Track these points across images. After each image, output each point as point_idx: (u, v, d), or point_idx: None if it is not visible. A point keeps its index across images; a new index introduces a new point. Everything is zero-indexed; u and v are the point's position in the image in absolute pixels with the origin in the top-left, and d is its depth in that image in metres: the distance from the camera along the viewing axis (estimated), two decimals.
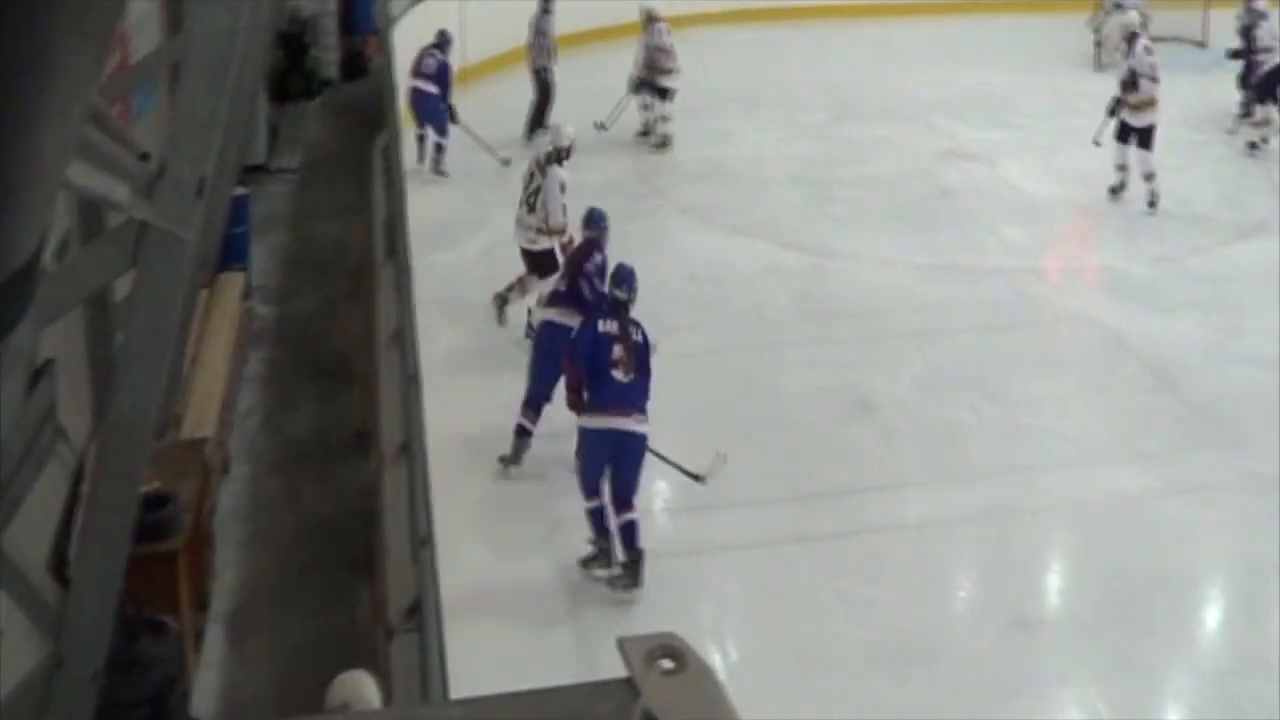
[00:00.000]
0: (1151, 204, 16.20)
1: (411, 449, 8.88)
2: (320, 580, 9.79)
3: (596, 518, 9.51)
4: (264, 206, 16.14)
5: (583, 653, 8.51)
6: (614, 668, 2.19)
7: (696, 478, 9.97)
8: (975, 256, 14.42)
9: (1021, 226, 15.54)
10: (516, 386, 11.43)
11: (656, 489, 10.79)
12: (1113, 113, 16.38)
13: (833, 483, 10.35)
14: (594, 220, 11.60)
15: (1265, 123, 18.60)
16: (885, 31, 23.39)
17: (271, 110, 18.68)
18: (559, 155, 13.08)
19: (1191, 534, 10.30)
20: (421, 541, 7.85)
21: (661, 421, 11.51)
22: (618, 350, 9.46)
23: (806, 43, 22.95)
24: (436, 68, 17.10)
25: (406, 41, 17.67)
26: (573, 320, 10.65)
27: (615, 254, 14.32)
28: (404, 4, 19.50)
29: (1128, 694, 8.65)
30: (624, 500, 9.47)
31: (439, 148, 17.14)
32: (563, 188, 12.94)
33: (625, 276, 9.90)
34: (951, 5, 23.01)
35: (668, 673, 2.22)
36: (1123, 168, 16.57)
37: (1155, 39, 18.71)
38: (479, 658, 7.99)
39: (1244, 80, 18.96)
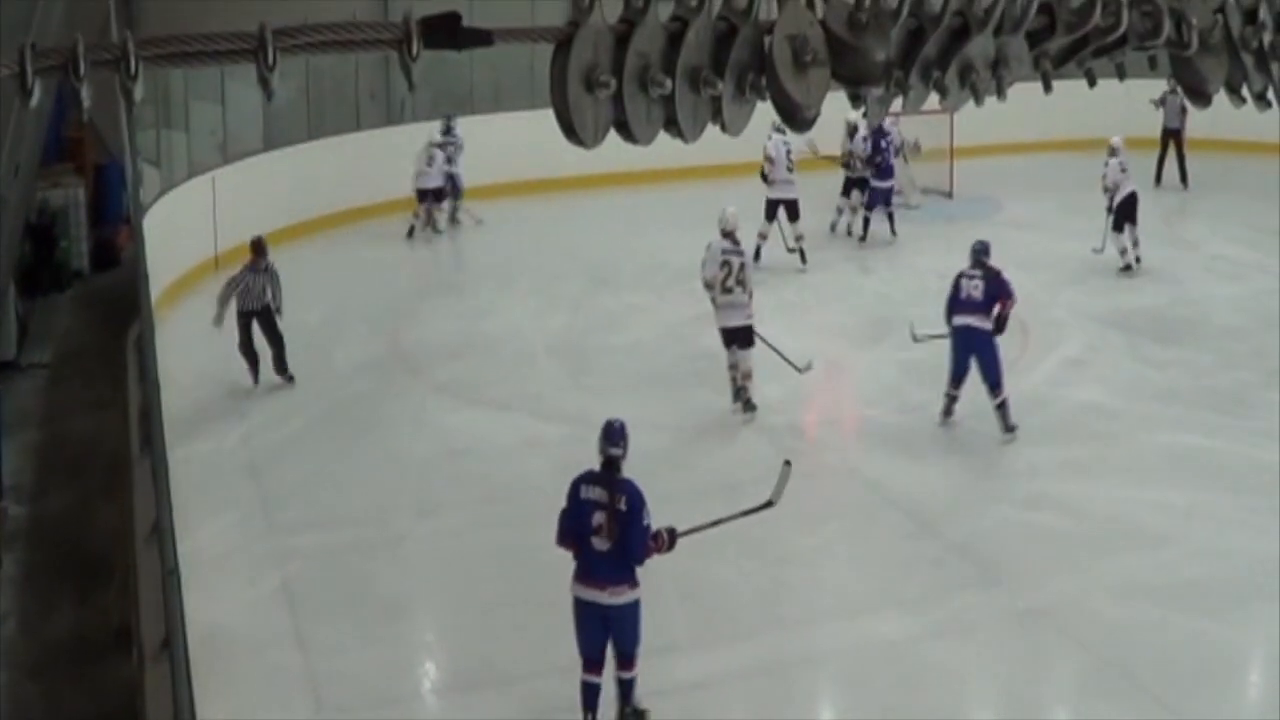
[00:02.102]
0: (796, 251, 19.96)
1: (173, 645, 8.69)
2: None
3: (586, 694, 9.36)
4: (15, 404, 15.84)
5: None
6: None
7: (768, 504, 10.25)
8: (733, 416, 14.64)
9: (778, 383, 15.76)
10: (278, 576, 11.37)
11: (424, 670, 10.75)
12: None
13: None
14: (982, 249, 14.86)
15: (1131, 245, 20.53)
16: (636, 199, 23.84)
17: (21, 304, 18.38)
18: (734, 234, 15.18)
19: (957, 675, 10.47)
20: None
21: (424, 603, 11.50)
22: (598, 517, 9.10)
23: (559, 214, 23.33)
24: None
25: (157, 230, 17.56)
26: (985, 324, 14.37)
27: (371, 438, 14.40)
28: (154, 192, 19.39)
29: None
30: (622, 660, 9.38)
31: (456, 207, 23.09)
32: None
33: (619, 433, 9.29)
34: (700, 169, 23.46)
35: None
36: (763, 236, 20.48)
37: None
38: None
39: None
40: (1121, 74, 6.80)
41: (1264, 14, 6.87)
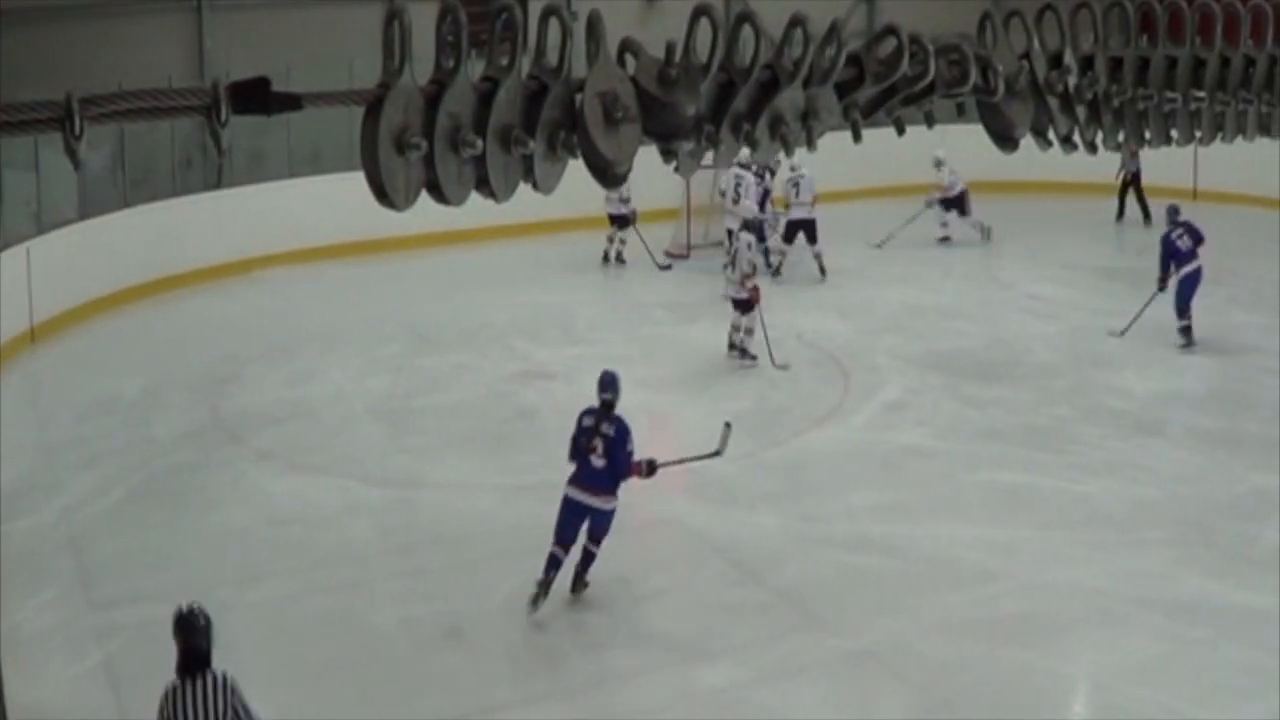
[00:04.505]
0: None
1: None
2: None
3: (551, 561, 11.72)
4: None
5: None
6: None
7: (716, 453, 12.65)
8: (558, 473, 14.58)
9: None
10: (100, 652, 11.13)
11: None
12: None
13: (424, 715, 10.26)
14: (1174, 209, 19.77)
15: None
16: (457, 259, 23.77)
17: None
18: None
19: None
20: None
21: (250, 674, 11.23)
22: (595, 440, 11.72)
23: (381, 276, 23.15)
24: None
25: None
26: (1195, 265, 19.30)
27: (193, 508, 14.14)
28: None
29: None
30: (593, 539, 11.95)
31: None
32: None
33: (609, 383, 11.97)
34: (520, 227, 23.45)
35: None
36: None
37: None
38: None
39: None
40: (930, 121, 6.95)
41: (1068, 58, 7.06)
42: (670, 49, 5.40)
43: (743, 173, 22.24)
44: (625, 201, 23.45)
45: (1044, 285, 22.63)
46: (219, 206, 23.45)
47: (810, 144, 6.05)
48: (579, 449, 11.86)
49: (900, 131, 6.99)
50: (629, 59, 5.38)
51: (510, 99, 4.95)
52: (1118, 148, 7.84)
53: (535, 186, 5.11)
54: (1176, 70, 7.62)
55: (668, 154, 5.47)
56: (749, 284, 18.52)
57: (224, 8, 25.56)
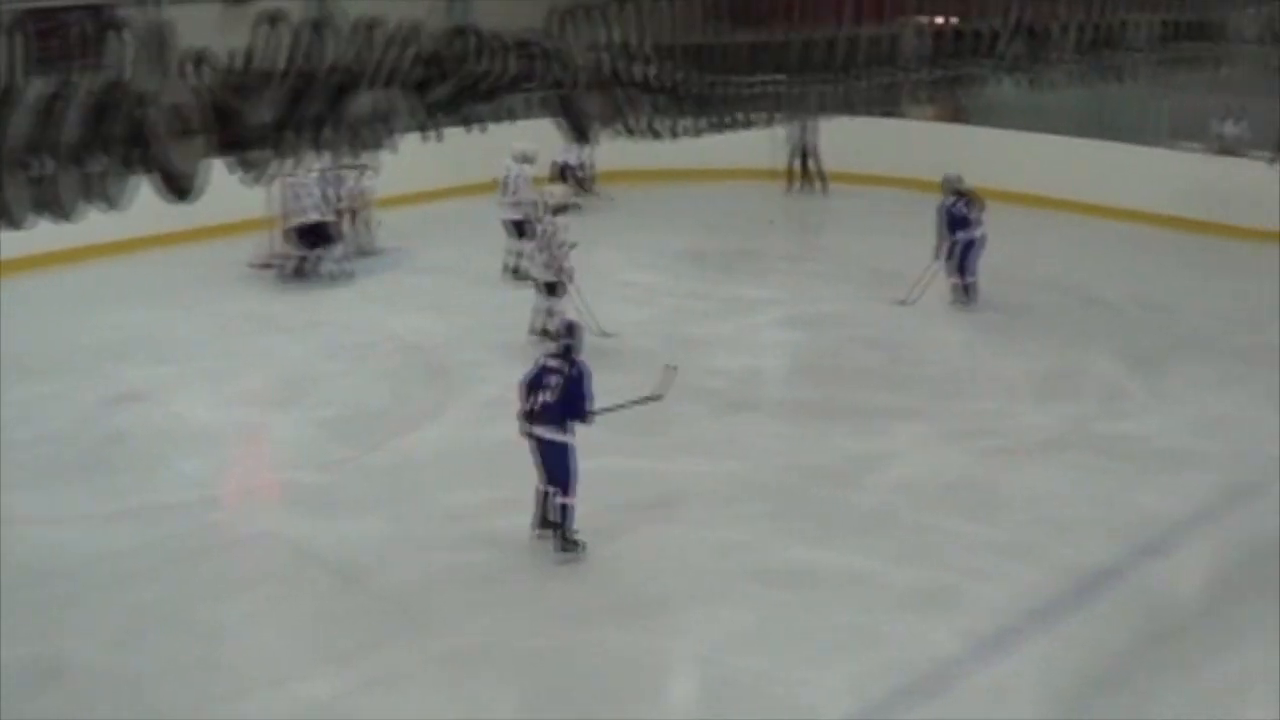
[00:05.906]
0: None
1: None
2: None
3: (538, 497, 13.02)
4: None
5: None
6: None
7: (656, 398, 13.90)
8: (153, 495, 14.25)
9: (196, 458, 15.43)
10: None
11: None
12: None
13: None
14: (956, 178, 21.00)
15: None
16: (37, 283, 22.84)
17: None
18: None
19: None
20: None
21: None
22: (553, 379, 12.74)
23: None
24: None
25: None
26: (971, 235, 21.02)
27: None
28: None
29: None
30: (554, 487, 12.90)
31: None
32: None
33: (571, 329, 13.21)
34: (97, 247, 22.73)
35: None
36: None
37: None
38: None
39: None
40: (511, 116, 7.02)
41: (642, 47, 7.22)
42: (242, 56, 5.33)
43: (514, 165, 22.32)
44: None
45: (637, 273, 23.09)
46: None
47: (390, 145, 6.05)
48: (534, 386, 12.78)
49: (474, 127, 7.05)
50: (202, 69, 5.29)
51: (76, 116, 4.81)
52: (699, 133, 8.05)
53: (108, 204, 4.97)
54: (758, 55, 7.86)
55: (241, 163, 5.40)
56: (562, 263, 18.98)
57: None
